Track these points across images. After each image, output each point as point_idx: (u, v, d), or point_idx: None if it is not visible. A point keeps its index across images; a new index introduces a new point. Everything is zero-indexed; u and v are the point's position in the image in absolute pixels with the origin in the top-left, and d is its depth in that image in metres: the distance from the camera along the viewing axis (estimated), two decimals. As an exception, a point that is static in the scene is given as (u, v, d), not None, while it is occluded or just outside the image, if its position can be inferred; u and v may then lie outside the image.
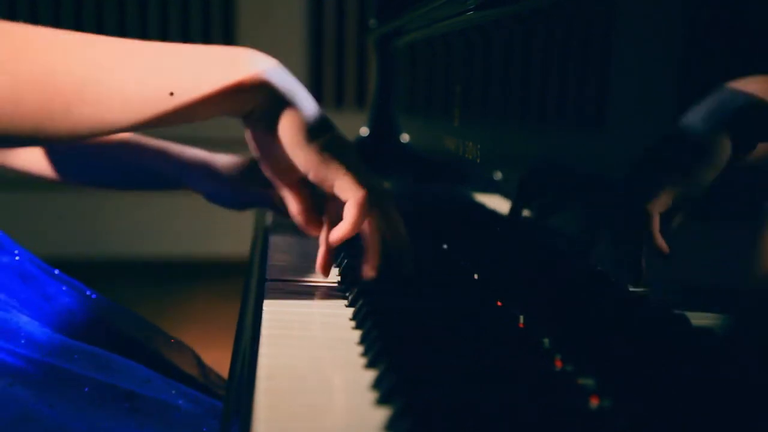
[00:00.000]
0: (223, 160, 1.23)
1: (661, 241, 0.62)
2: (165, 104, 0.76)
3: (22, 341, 0.87)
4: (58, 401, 0.83)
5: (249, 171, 1.20)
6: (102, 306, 1.03)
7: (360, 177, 0.81)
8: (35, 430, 0.80)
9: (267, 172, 0.84)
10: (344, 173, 0.80)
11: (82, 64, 0.75)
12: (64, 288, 1.01)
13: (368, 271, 0.82)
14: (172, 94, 0.76)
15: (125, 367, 0.89)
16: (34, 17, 3.59)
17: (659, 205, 0.63)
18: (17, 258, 0.99)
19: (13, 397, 0.81)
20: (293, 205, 0.85)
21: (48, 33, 0.78)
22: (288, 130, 0.79)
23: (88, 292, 1.04)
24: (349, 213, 0.79)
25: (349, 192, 0.80)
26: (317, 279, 0.88)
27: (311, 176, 0.80)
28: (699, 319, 0.59)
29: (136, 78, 0.75)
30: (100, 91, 0.74)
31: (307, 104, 0.80)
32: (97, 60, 0.75)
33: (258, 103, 0.79)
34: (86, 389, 0.85)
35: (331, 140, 0.81)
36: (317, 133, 0.80)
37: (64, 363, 0.86)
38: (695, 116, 0.60)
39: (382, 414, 0.52)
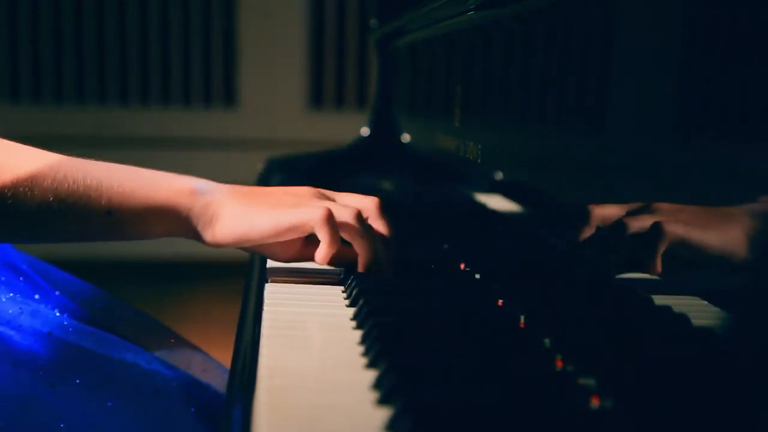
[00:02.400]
0: None
1: (660, 242, 0.62)
2: (102, 221, 0.81)
3: (27, 316, 0.87)
4: (60, 381, 0.83)
5: None
6: (96, 302, 1.03)
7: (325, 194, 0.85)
8: (36, 413, 0.81)
9: (289, 256, 0.88)
10: (295, 208, 0.82)
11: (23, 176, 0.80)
12: (57, 294, 1.01)
13: (361, 267, 0.84)
14: (109, 213, 0.80)
15: (130, 346, 0.90)
16: (35, 17, 3.59)
17: (660, 205, 0.63)
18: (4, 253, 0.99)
19: (15, 378, 0.82)
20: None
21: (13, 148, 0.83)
22: (236, 228, 0.82)
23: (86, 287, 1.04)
24: (320, 236, 0.82)
25: (309, 216, 0.82)
26: (318, 279, 0.88)
27: (284, 237, 0.83)
28: (699, 319, 0.59)
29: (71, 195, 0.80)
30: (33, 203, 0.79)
31: (226, 196, 0.83)
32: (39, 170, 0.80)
33: (190, 220, 0.82)
34: (86, 366, 0.86)
35: (263, 196, 0.84)
36: (256, 200, 0.83)
37: (73, 338, 0.87)
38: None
39: (382, 414, 0.52)
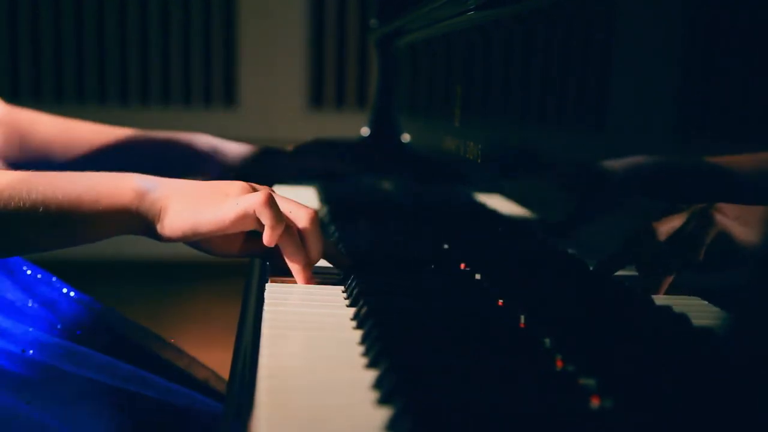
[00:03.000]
0: (233, 148, 1.27)
1: (661, 242, 0.62)
2: (54, 229, 0.83)
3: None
4: (36, 397, 0.84)
5: (256, 160, 1.22)
6: (90, 307, 1.04)
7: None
8: (13, 429, 0.81)
9: (232, 251, 0.89)
10: (237, 203, 0.82)
11: None
12: (50, 289, 1.01)
13: (303, 279, 0.85)
14: (56, 224, 0.82)
15: (107, 363, 0.90)
16: (35, 17, 3.59)
17: (660, 206, 0.63)
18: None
19: None
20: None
21: None
22: (185, 221, 0.83)
23: (73, 293, 1.04)
24: (264, 217, 0.82)
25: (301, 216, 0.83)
26: (318, 279, 0.87)
27: (233, 227, 0.83)
28: (699, 319, 0.59)
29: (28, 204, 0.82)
30: None
31: (177, 188, 0.85)
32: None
33: (139, 218, 0.84)
34: (66, 386, 0.86)
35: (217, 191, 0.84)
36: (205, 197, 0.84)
37: (45, 358, 0.87)
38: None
39: (383, 414, 0.52)
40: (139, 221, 0.84)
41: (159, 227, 0.84)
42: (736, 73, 0.56)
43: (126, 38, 3.68)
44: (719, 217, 0.57)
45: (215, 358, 1.13)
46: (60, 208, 0.82)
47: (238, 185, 0.85)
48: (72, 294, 1.03)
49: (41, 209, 0.81)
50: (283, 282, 0.85)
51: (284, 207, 0.86)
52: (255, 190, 0.86)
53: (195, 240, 0.86)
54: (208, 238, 0.86)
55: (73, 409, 0.85)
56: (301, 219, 0.85)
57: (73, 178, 0.84)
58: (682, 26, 0.62)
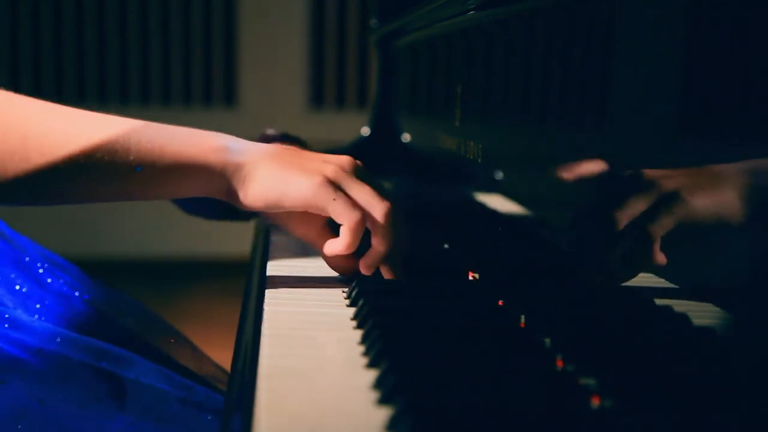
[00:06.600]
0: None
1: (659, 243, 0.62)
2: (130, 177, 0.79)
3: (16, 330, 0.87)
4: (49, 395, 0.83)
5: None
6: (101, 294, 1.03)
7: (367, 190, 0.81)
8: (27, 426, 0.80)
9: (298, 232, 0.86)
10: (333, 199, 0.79)
11: (49, 128, 0.78)
12: (59, 275, 1.01)
13: (364, 270, 0.83)
14: (138, 168, 0.79)
15: (121, 356, 0.90)
16: (35, 18, 3.59)
17: (660, 206, 0.63)
18: (12, 243, 0.99)
19: (6, 391, 0.82)
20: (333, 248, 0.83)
21: (28, 102, 0.81)
22: (269, 192, 0.80)
23: (86, 296, 1.04)
24: (343, 236, 0.80)
25: (342, 217, 0.79)
26: (318, 278, 0.88)
27: (311, 209, 0.80)
28: (699, 319, 0.59)
29: (103, 148, 0.78)
30: (61, 152, 0.78)
31: (262, 159, 0.81)
32: (66, 127, 0.79)
33: (221, 179, 0.81)
34: (78, 382, 0.86)
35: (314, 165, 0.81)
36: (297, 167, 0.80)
37: (62, 350, 0.87)
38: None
39: (383, 414, 0.52)
40: (219, 183, 0.81)
41: (242, 194, 0.81)
42: (737, 73, 0.56)
43: (126, 38, 3.68)
44: (716, 214, 0.57)
45: (215, 358, 1.13)
46: (141, 154, 0.78)
47: (334, 168, 0.80)
48: (85, 297, 1.02)
49: (120, 150, 0.78)
50: (283, 282, 0.85)
51: (361, 196, 0.81)
52: (350, 176, 0.81)
53: (276, 212, 0.83)
54: (288, 214, 0.83)
55: (87, 409, 0.84)
56: (378, 209, 0.81)
57: (160, 128, 0.81)
58: (684, 26, 0.62)
